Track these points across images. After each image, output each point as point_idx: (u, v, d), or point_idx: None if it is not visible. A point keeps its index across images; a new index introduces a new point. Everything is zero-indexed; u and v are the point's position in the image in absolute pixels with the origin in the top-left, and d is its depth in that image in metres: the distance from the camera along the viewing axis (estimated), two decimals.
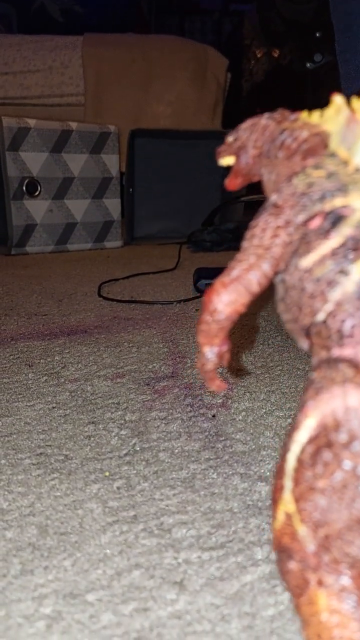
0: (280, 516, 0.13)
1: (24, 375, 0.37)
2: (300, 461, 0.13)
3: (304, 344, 0.16)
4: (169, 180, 1.01)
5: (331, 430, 0.12)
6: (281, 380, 0.35)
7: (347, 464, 0.12)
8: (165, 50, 1.15)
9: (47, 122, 0.91)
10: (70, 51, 1.14)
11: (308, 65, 1.24)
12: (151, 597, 0.18)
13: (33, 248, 0.92)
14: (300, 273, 0.14)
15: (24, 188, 0.89)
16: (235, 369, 0.34)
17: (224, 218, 1.02)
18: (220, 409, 0.31)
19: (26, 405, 0.32)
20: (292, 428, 0.13)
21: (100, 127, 0.96)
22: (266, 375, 0.36)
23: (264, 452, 0.26)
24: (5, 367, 0.38)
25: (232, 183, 0.21)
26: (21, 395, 0.34)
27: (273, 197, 0.16)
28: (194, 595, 0.18)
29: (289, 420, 0.30)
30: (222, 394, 0.33)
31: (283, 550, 0.13)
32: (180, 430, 0.29)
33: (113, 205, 0.98)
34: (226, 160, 0.21)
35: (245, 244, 0.16)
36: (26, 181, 0.89)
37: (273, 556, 0.19)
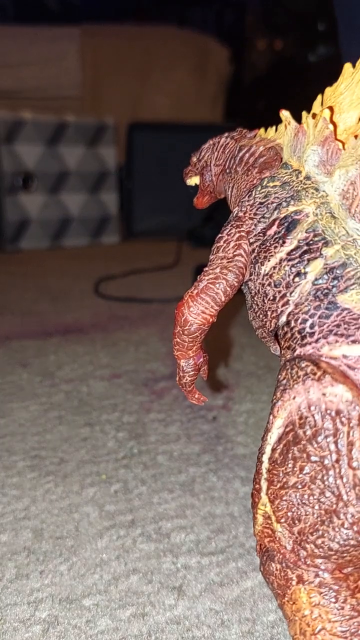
0: (260, 519, 0.14)
1: (17, 375, 0.36)
2: (272, 461, 0.13)
3: (275, 349, 0.17)
4: (168, 174, 1.00)
5: (297, 427, 0.13)
6: None
7: (314, 457, 0.12)
8: (164, 41, 1.13)
9: (42, 114, 0.89)
10: (67, 42, 1.11)
11: (310, 57, 1.23)
12: (149, 602, 0.17)
13: (28, 244, 0.90)
14: (261, 279, 0.15)
15: (19, 182, 0.87)
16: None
17: (225, 213, 1.01)
18: (220, 410, 0.31)
19: (20, 407, 0.32)
20: (265, 430, 0.14)
21: (98, 119, 0.94)
22: (268, 376, 0.36)
23: None
24: None
25: (200, 202, 0.22)
26: (15, 396, 0.33)
27: (235, 210, 0.17)
28: (193, 600, 0.17)
29: None
30: (223, 395, 0.32)
31: (265, 552, 0.14)
32: (180, 432, 0.28)
33: (110, 200, 0.96)
34: (192, 180, 0.22)
35: (211, 256, 0.17)
36: (21, 175, 0.88)
37: None
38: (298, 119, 0.17)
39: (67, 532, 0.21)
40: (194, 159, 0.22)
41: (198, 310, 0.16)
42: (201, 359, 0.17)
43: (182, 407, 0.31)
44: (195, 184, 0.22)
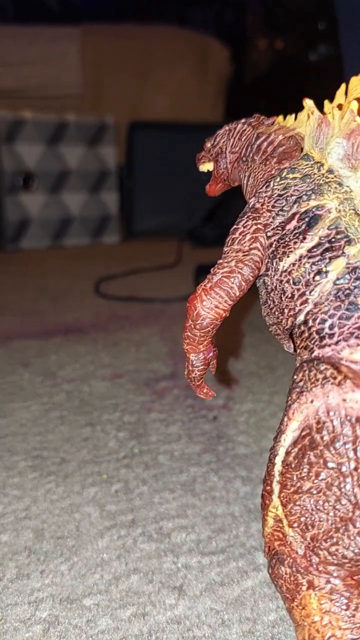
0: (270, 521, 0.14)
1: (18, 375, 0.36)
2: (286, 464, 0.13)
3: (289, 347, 0.16)
4: (169, 174, 1.00)
5: (314, 431, 0.12)
6: (285, 381, 0.35)
7: (331, 463, 0.12)
8: (165, 40, 1.13)
9: (43, 114, 0.89)
10: (68, 42, 1.11)
11: (311, 57, 1.23)
12: (150, 602, 0.17)
13: (28, 244, 0.90)
14: (279, 275, 0.15)
15: (20, 182, 0.87)
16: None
17: (226, 212, 1.01)
18: (221, 410, 0.31)
19: (21, 407, 0.32)
20: (279, 432, 0.14)
21: (98, 119, 0.94)
22: (269, 376, 0.36)
23: (267, 455, 0.26)
24: (0, 366, 0.38)
25: (213, 189, 0.21)
26: (16, 396, 0.33)
27: (252, 201, 0.16)
28: (194, 600, 0.17)
29: None
30: (224, 394, 0.32)
31: (274, 555, 0.14)
32: (181, 432, 0.28)
33: (111, 199, 0.96)
34: (206, 166, 0.21)
35: (225, 248, 0.16)
36: (21, 175, 0.88)
37: None
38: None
39: (68, 532, 0.21)
40: (208, 145, 0.21)
41: (211, 305, 0.16)
42: (211, 354, 0.17)
43: (183, 407, 0.31)
44: (208, 170, 0.21)
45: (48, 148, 0.90)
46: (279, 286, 0.15)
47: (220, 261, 0.16)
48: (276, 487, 0.13)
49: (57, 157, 0.91)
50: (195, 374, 0.17)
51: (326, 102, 0.16)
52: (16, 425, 0.29)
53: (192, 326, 0.16)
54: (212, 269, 0.16)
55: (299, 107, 0.17)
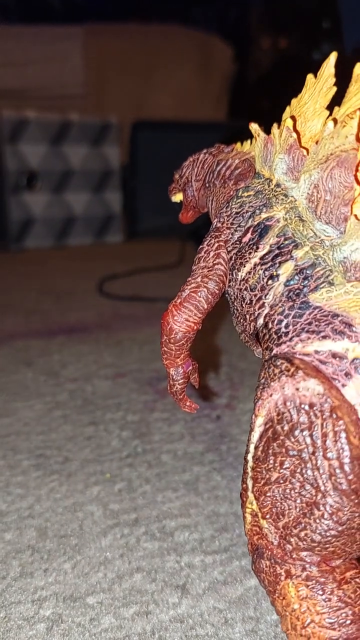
0: (248, 517, 0.14)
1: (22, 374, 0.36)
2: (255, 459, 0.13)
3: (259, 352, 0.17)
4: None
5: (275, 423, 0.13)
6: None
7: (292, 451, 0.12)
8: (168, 39, 1.13)
9: (46, 113, 0.90)
10: (71, 41, 1.11)
11: (315, 55, 1.22)
12: (153, 601, 0.17)
13: (32, 243, 0.91)
14: (238, 284, 0.16)
15: (23, 181, 0.88)
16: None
17: None
18: (224, 409, 0.31)
19: (25, 406, 0.32)
20: (249, 431, 0.14)
21: (101, 118, 0.94)
22: None
23: None
24: (3, 366, 0.38)
25: (185, 217, 0.23)
26: (19, 395, 0.33)
27: (215, 222, 0.18)
28: (197, 599, 0.17)
29: None
30: (227, 394, 0.32)
31: (255, 550, 0.14)
32: (183, 431, 0.28)
33: (114, 199, 0.96)
34: (177, 197, 0.23)
35: (193, 267, 0.17)
36: (25, 174, 0.88)
37: None
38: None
39: (72, 531, 0.21)
40: (177, 176, 0.23)
41: (182, 319, 0.17)
42: (190, 367, 0.18)
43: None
44: (180, 200, 0.23)
45: (51, 148, 0.90)
46: (239, 294, 0.16)
47: (189, 279, 0.17)
48: (250, 483, 0.14)
49: (60, 156, 0.91)
50: (177, 388, 0.18)
51: (274, 125, 0.17)
52: (20, 424, 0.29)
53: (167, 341, 0.17)
54: (181, 287, 0.17)
55: None
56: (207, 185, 0.20)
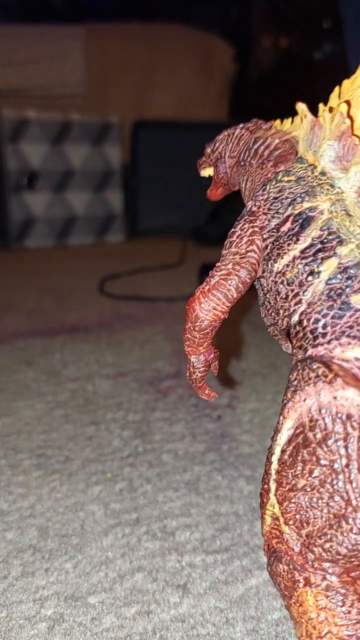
0: (268, 519, 0.14)
1: (23, 374, 0.36)
2: (281, 462, 0.13)
3: (287, 347, 0.16)
4: (173, 173, 1.00)
5: (307, 429, 0.13)
6: None
7: (324, 461, 0.12)
8: (169, 39, 1.13)
9: (47, 113, 0.90)
10: (73, 41, 1.11)
11: (316, 55, 1.22)
12: (154, 600, 0.17)
13: (33, 243, 0.91)
14: (274, 276, 0.15)
15: (24, 181, 0.88)
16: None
17: (231, 211, 1.01)
18: (225, 409, 0.31)
19: (26, 405, 0.32)
20: (275, 430, 0.14)
21: (103, 118, 0.94)
22: (273, 375, 0.36)
23: None
24: (4, 365, 0.38)
25: (214, 194, 0.21)
26: (21, 395, 0.33)
27: (249, 205, 0.17)
28: (198, 598, 0.17)
29: None
30: (228, 393, 0.32)
31: (272, 553, 0.14)
32: (184, 431, 0.28)
33: (115, 198, 0.96)
34: (206, 171, 0.21)
35: (224, 251, 0.16)
36: (26, 174, 0.88)
37: None
38: (313, 113, 0.16)
39: (73, 530, 0.21)
40: (208, 150, 0.21)
41: (209, 307, 0.16)
42: (212, 355, 0.17)
43: (186, 405, 0.31)
44: (209, 175, 0.21)
45: (52, 147, 0.90)
46: (274, 287, 0.15)
47: (218, 264, 0.16)
48: (273, 485, 0.13)
49: (61, 156, 0.91)
50: (197, 376, 0.17)
51: (320, 105, 0.16)
52: (21, 423, 0.29)
53: (192, 328, 0.16)
54: (210, 272, 0.16)
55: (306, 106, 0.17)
56: (241, 163, 0.19)
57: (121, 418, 0.30)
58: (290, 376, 0.14)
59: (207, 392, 0.18)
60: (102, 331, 0.45)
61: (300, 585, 0.13)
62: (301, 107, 0.16)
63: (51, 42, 1.14)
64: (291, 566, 0.13)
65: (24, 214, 0.89)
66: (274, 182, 0.16)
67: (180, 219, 1.01)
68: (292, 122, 0.17)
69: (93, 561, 0.19)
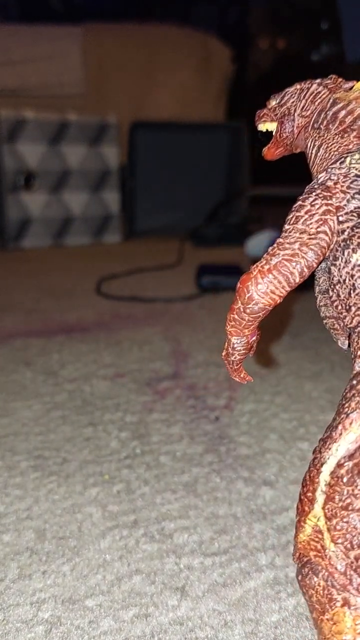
0: (307, 529, 0.13)
1: (21, 374, 0.36)
2: (336, 476, 0.12)
3: (344, 342, 0.15)
4: (170, 173, 1.00)
5: None
6: (287, 382, 0.35)
7: None
8: (168, 39, 1.13)
9: (45, 113, 0.89)
10: (71, 40, 1.11)
11: (314, 56, 1.22)
12: (152, 603, 0.17)
13: (30, 243, 0.90)
14: (350, 268, 0.13)
15: (21, 181, 0.88)
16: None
17: (228, 212, 1.01)
18: (223, 410, 0.31)
19: (23, 406, 0.32)
20: (329, 437, 0.13)
21: (100, 118, 0.94)
22: (271, 376, 0.35)
23: (269, 456, 0.26)
24: (2, 365, 0.37)
25: (272, 153, 0.18)
26: (18, 395, 0.33)
27: (322, 177, 0.14)
28: (196, 601, 0.17)
29: (295, 423, 0.29)
30: (226, 395, 0.32)
31: (307, 564, 0.13)
32: (182, 432, 0.28)
33: (112, 199, 0.96)
34: (266, 126, 0.18)
35: (287, 227, 0.14)
36: (23, 174, 0.88)
37: (277, 562, 0.19)
38: None
39: (70, 533, 0.21)
40: (274, 103, 0.18)
41: (267, 289, 0.14)
42: (254, 337, 0.15)
43: (184, 407, 0.31)
44: (267, 130, 0.18)
45: (50, 147, 0.90)
46: (349, 281, 0.13)
47: (281, 240, 0.14)
48: (320, 497, 0.12)
49: (58, 156, 0.91)
50: (236, 358, 0.15)
51: None
52: (18, 424, 0.29)
53: (242, 309, 0.14)
54: (270, 249, 0.14)
55: None
56: (314, 125, 0.16)
57: (119, 419, 0.30)
58: (354, 381, 0.12)
59: (242, 375, 0.16)
60: (100, 332, 0.44)
61: (338, 604, 0.12)
62: None
63: (49, 41, 1.14)
64: (329, 583, 0.12)
65: (21, 214, 0.89)
66: (357, 157, 0.14)
67: (178, 220, 1.01)
68: None
69: (91, 564, 0.19)
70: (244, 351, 0.15)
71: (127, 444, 0.27)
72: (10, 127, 0.86)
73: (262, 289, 0.14)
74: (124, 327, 0.45)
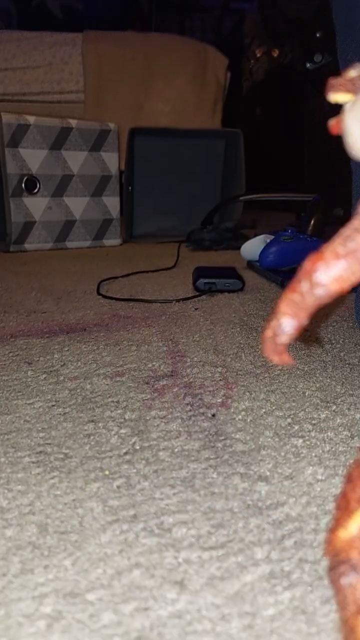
0: (353, 528, 0.13)
1: (23, 372, 0.37)
2: None
3: None
4: (168, 179, 1.01)
5: None
6: (281, 380, 0.35)
7: None
8: (165, 48, 1.15)
9: (46, 119, 0.91)
10: (70, 47, 1.13)
11: (308, 65, 1.24)
12: (152, 597, 0.18)
13: (32, 245, 0.91)
14: None
15: (23, 185, 0.89)
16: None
17: (223, 217, 1.03)
18: (219, 408, 0.31)
19: (25, 403, 0.32)
20: None
21: (100, 124, 0.95)
22: (266, 375, 0.36)
23: (264, 452, 0.26)
24: (5, 364, 0.38)
25: (338, 127, 0.16)
26: (20, 393, 0.33)
27: None
28: (195, 594, 0.18)
29: (289, 420, 0.30)
30: (222, 393, 0.33)
31: (346, 562, 0.13)
32: (180, 429, 0.28)
33: (112, 203, 0.97)
34: (338, 97, 0.16)
35: None
36: (25, 178, 0.89)
37: (273, 556, 0.19)
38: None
39: (72, 527, 0.21)
40: (353, 74, 0.15)
41: (336, 274, 0.12)
42: (307, 322, 0.13)
43: (182, 404, 0.31)
44: (337, 102, 0.16)
45: (51, 152, 0.91)
46: None
47: (354, 220, 0.12)
48: None
49: (60, 161, 0.92)
50: (282, 340, 0.13)
51: None
52: (20, 421, 0.30)
53: (307, 291, 0.13)
54: (342, 229, 0.12)
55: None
56: None
57: (119, 416, 0.30)
58: None
59: (284, 357, 0.14)
60: (100, 332, 0.45)
61: None
62: None
63: (49, 48, 1.16)
64: None
65: (23, 217, 0.90)
66: None
67: (175, 224, 1.02)
68: None
69: (92, 558, 0.19)
70: (292, 334, 0.14)
71: (127, 440, 0.27)
72: (12, 132, 0.87)
73: (332, 274, 0.12)
74: (123, 328, 0.46)
